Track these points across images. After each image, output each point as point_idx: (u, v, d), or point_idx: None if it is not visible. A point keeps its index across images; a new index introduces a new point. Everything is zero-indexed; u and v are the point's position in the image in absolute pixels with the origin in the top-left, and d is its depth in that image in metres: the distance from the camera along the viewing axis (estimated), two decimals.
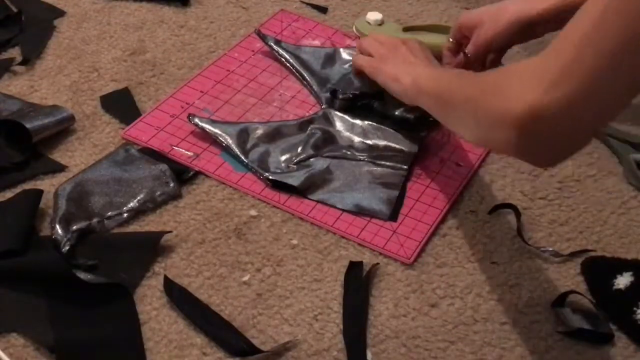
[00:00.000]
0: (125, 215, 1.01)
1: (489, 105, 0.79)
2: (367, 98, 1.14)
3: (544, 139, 0.74)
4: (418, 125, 1.11)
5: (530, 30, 1.06)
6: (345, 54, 1.25)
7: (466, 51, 1.12)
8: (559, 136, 0.74)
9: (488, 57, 1.11)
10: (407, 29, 1.31)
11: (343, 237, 1.01)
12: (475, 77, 0.91)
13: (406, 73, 1.04)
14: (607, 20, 0.69)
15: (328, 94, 1.17)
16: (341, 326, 0.91)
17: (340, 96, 1.14)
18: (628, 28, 0.67)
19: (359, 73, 1.15)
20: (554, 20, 1.02)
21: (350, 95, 1.14)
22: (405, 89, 1.03)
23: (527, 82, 0.74)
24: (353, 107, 1.14)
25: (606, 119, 0.78)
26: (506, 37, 1.07)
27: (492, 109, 0.78)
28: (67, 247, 0.95)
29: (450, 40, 1.16)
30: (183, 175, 1.06)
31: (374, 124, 1.13)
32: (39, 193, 1.00)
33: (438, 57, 1.28)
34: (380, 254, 0.99)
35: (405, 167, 1.08)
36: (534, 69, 0.75)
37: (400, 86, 1.04)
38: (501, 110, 0.76)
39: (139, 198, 1.02)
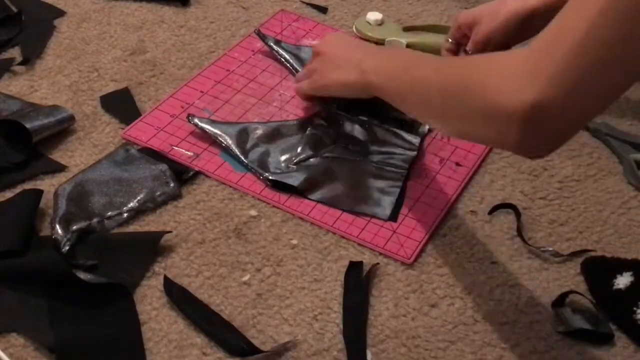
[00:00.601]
0: (125, 215, 1.01)
1: (478, 101, 0.77)
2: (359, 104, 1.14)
3: (541, 133, 0.74)
4: (415, 126, 1.12)
5: (530, 25, 1.05)
6: None
7: (467, 49, 1.12)
8: (555, 130, 0.74)
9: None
10: (407, 29, 1.31)
11: (343, 237, 1.01)
12: (450, 68, 0.87)
13: (349, 73, 1.02)
14: (603, 18, 0.68)
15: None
16: (341, 326, 0.91)
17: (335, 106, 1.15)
18: (623, 26, 0.67)
19: (309, 99, 1.14)
20: (554, 14, 1.02)
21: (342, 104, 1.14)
22: (358, 90, 1.03)
23: (521, 77, 0.72)
24: (351, 107, 1.15)
25: (601, 109, 0.77)
26: (505, 32, 1.07)
27: (483, 104, 0.76)
28: (67, 247, 0.95)
29: (449, 40, 1.16)
30: (183, 175, 1.06)
31: (374, 124, 1.13)
32: (39, 193, 1.00)
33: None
34: (380, 254, 0.99)
35: (405, 167, 1.08)
36: (525, 64, 0.73)
37: (352, 89, 1.04)
38: (494, 107, 0.74)
39: (139, 198, 1.02)
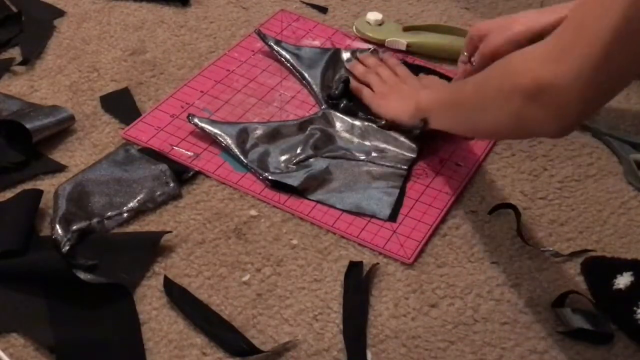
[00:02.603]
0: (125, 215, 1.01)
1: (496, 86, 0.87)
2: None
3: (551, 108, 0.80)
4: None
5: (542, 37, 1.05)
6: (345, 55, 1.25)
7: (472, 60, 1.11)
8: (564, 106, 0.79)
9: None
10: (407, 29, 1.31)
11: (343, 237, 1.01)
12: (477, 74, 0.97)
13: (408, 104, 1.09)
14: (604, 6, 0.75)
15: (329, 94, 1.18)
16: (341, 326, 0.91)
17: (334, 96, 1.17)
18: (625, 12, 0.73)
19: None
20: None
21: (340, 85, 1.17)
22: (410, 117, 1.08)
23: (531, 59, 0.81)
24: (353, 106, 1.15)
25: (612, 92, 0.82)
26: (514, 48, 1.06)
27: (500, 87, 0.85)
28: (67, 247, 0.95)
29: (464, 53, 1.16)
30: (183, 175, 1.06)
31: (374, 125, 1.13)
32: (39, 193, 1.00)
33: (439, 57, 1.28)
34: (380, 254, 0.99)
35: (404, 167, 1.08)
36: (536, 49, 0.82)
37: (405, 116, 1.09)
38: (509, 85, 0.83)
39: (139, 198, 1.02)
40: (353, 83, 1.18)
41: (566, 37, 0.79)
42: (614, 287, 0.94)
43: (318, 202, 1.04)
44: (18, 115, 1.09)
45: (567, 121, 0.82)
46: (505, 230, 1.03)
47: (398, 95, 1.14)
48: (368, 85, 1.17)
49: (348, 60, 1.25)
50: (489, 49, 1.08)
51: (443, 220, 1.04)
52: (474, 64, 1.11)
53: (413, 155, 1.10)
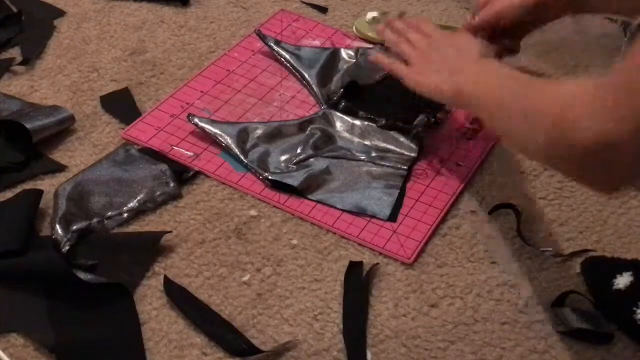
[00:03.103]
0: (125, 215, 1.01)
1: (556, 131, 0.80)
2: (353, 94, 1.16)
3: (609, 167, 0.77)
4: (414, 130, 1.12)
5: (545, 9, 1.04)
6: (345, 54, 1.25)
7: (474, 15, 1.08)
8: (623, 165, 0.76)
9: (502, 40, 1.07)
10: None
11: (343, 237, 1.01)
12: (534, 91, 0.89)
13: (448, 83, 1.00)
14: None
15: (330, 94, 1.18)
16: (341, 326, 0.91)
17: (335, 98, 1.16)
18: None
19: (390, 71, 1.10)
20: (567, 7, 1.02)
21: (343, 89, 1.16)
22: (448, 98, 1.02)
23: (593, 113, 0.75)
24: (353, 106, 1.15)
25: None
26: (515, 15, 1.03)
27: (560, 136, 0.79)
28: (67, 247, 0.95)
29: (474, 17, 1.12)
30: (183, 175, 1.06)
31: (374, 125, 1.13)
32: (39, 193, 1.00)
33: None
34: (380, 254, 0.99)
35: (404, 167, 1.08)
36: (595, 98, 0.76)
37: (443, 96, 1.02)
38: (569, 140, 0.77)
39: (139, 198, 1.02)
40: (383, 60, 1.10)
41: (621, 95, 0.74)
42: (614, 287, 0.94)
43: (318, 202, 1.04)
44: (18, 115, 1.09)
45: (626, 179, 0.80)
46: (505, 230, 1.03)
47: (437, 65, 1.04)
48: (400, 58, 1.09)
49: (350, 57, 1.24)
50: (492, 13, 1.05)
51: (443, 220, 1.04)
52: (475, 18, 1.06)
53: (413, 155, 1.10)
